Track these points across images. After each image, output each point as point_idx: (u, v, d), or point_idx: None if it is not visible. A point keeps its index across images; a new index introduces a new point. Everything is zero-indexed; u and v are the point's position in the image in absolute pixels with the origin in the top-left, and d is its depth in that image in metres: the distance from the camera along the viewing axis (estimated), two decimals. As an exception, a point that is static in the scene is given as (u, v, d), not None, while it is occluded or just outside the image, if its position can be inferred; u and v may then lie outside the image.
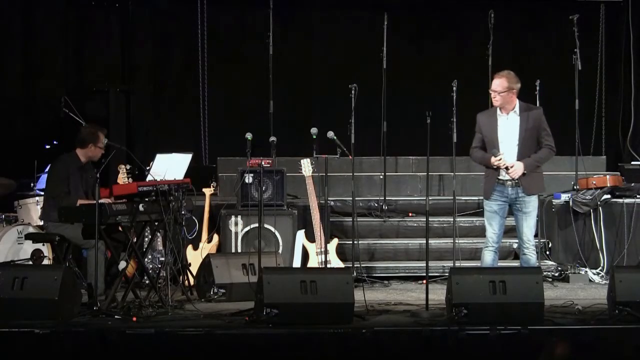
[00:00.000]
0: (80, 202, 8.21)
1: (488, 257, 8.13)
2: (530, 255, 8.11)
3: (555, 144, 8.23)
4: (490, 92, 8.11)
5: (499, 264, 9.17)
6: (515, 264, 9.57)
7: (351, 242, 9.47)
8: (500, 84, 8.05)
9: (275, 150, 9.30)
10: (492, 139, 8.06)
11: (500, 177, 8.04)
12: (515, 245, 9.85)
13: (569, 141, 10.54)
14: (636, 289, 7.34)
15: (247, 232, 9.46)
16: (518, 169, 7.96)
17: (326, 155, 8.63)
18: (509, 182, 8.02)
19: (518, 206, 8.06)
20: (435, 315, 7.48)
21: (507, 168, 7.96)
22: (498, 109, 8.12)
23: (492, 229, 8.11)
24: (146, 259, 8.82)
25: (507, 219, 8.27)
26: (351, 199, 9.54)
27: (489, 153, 8.07)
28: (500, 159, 7.96)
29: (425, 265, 7.85)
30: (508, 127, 8.07)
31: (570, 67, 10.31)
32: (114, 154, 9.02)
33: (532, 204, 8.09)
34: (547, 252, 10.00)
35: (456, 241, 9.39)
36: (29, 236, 8.65)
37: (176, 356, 6.90)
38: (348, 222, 9.92)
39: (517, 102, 8.11)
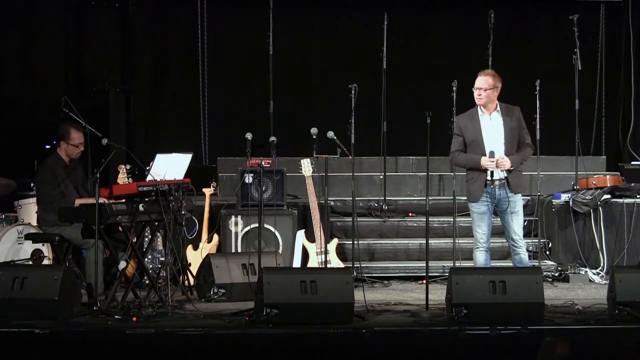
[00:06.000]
0: (79, 201, 8.21)
1: (481, 258, 8.09)
2: (524, 255, 8.09)
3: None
4: (474, 90, 8.01)
5: (498, 264, 9.20)
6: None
7: (351, 242, 9.47)
8: (485, 81, 7.97)
9: (275, 150, 9.30)
10: (477, 140, 7.99)
11: (489, 178, 7.97)
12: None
13: (569, 141, 10.52)
14: (636, 289, 7.35)
15: (247, 232, 9.46)
16: (507, 162, 7.91)
17: (326, 155, 8.62)
18: (497, 182, 7.97)
19: (505, 207, 8.00)
20: (435, 315, 7.48)
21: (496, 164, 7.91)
22: (479, 109, 8.04)
23: (482, 230, 8.06)
24: (146, 259, 8.82)
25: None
26: (351, 199, 9.53)
27: (479, 155, 7.96)
28: (494, 161, 7.90)
29: (425, 265, 7.84)
30: (492, 127, 8.01)
31: (570, 67, 10.29)
32: (114, 154, 9.01)
33: (519, 203, 8.08)
34: (547, 252, 9.99)
35: (456, 241, 9.39)
36: (29, 236, 8.64)
37: (176, 356, 6.90)
38: (348, 222, 9.92)
39: (497, 102, 8.05)
